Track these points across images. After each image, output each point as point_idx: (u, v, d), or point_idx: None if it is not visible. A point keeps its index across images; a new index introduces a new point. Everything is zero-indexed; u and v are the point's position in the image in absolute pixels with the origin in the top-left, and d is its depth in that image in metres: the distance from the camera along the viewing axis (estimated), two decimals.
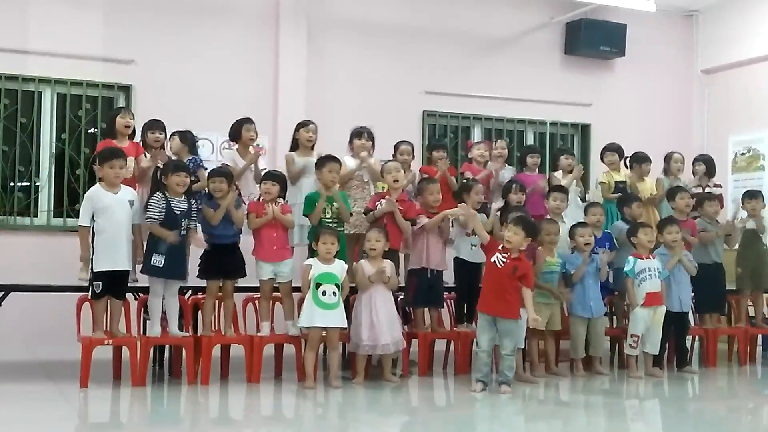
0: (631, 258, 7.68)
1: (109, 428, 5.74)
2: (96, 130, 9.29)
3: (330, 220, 7.21)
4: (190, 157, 7.72)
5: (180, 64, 9.53)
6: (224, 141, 8.87)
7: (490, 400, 6.54)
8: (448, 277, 7.82)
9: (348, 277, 6.93)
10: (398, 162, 7.93)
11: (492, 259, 6.74)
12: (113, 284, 6.63)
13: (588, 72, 11.41)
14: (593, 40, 11.14)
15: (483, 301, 6.81)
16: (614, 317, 8.53)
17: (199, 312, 7.15)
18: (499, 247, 6.75)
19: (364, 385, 6.87)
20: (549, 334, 7.55)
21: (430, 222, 7.38)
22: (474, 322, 7.49)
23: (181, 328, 6.92)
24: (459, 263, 7.81)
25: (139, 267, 6.97)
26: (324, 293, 6.73)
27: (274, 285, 7.13)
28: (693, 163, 9.59)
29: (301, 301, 6.93)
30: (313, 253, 7.04)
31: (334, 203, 7.24)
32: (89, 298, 6.70)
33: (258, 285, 7.15)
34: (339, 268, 6.85)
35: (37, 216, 9.15)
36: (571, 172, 8.99)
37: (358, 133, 8.15)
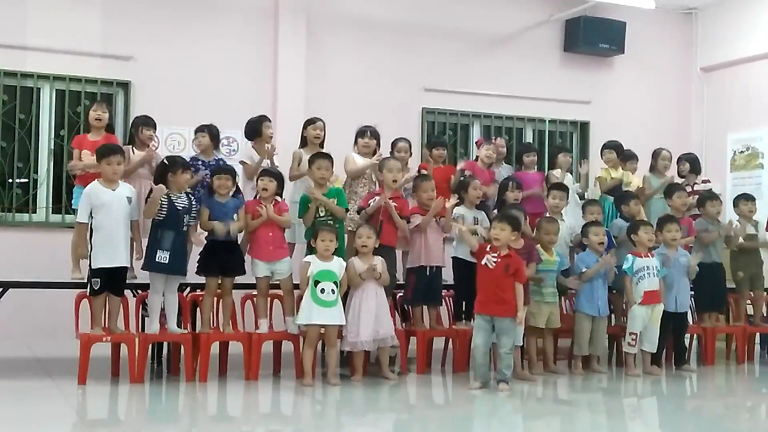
0: (629, 256, 7.68)
1: (107, 425, 5.74)
2: None
3: (326, 218, 7.19)
4: (216, 158, 7.72)
5: (179, 60, 9.52)
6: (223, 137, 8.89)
7: (488, 397, 6.54)
8: (447, 276, 7.82)
9: (346, 274, 6.93)
10: (396, 159, 7.92)
11: (483, 262, 6.75)
12: (111, 281, 6.63)
13: (587, 69, 11.40)
14: (592, 38, 11.13)
15: (480, 303, 6.82)
16: (612, 315, 8.53)
17: (198, 309, 7.15)
18: (487, 249, 6.76)
19: (362, 382, 6.87)
20: (547, 332, 7.56)
21: (423, 220, 7.37)
22: (472, 320, 7.48)
23: (179, 325, 6.91)
24: (458, 262, 7.79)
25: (137, 264, 6.96)
26: (323, 290, 6.72)
27: (274, 282, 7.12)
28: (677, 163, 9.59)
29: (300, 298, 6.92)
30: (311, 250, 7.03)
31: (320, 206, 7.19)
32: (87, 294, 6.69)
33: (255, 282, 7.14)
34: (337, 265, 6.85)
35: (35, 212, 9.15)
36: (569, 169, 8.98)
37: (362, 132, 8.16)
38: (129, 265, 6.83)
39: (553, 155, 9.48)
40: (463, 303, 7.78)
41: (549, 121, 11.28)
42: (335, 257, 6.88)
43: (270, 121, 8.10)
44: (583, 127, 11.45)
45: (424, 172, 8.20)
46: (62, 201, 9.13)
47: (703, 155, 10.64)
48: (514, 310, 6.69)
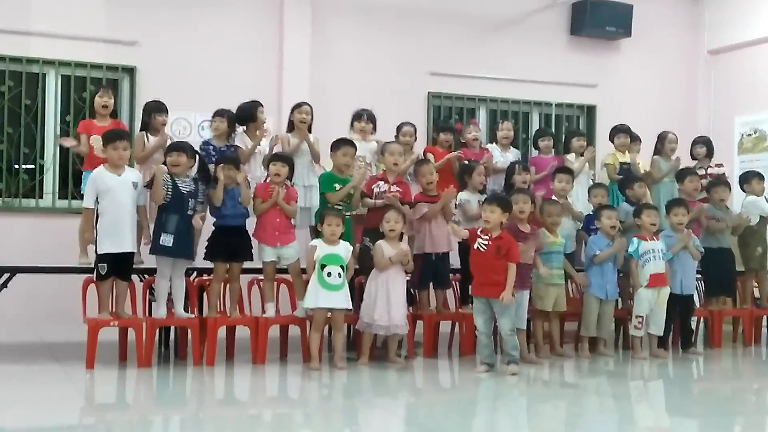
0: (635, 239, 7.68)
1: (114, 409, 5.76)
2: None
3: (341, 203, 7.23)
4: (228, 144, 7.71)
5: (184, 45, 9.51)
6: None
7: (494, 381, 6.55)
8: (455, 260, 7.81)
9: (353, 259, 6.93)
10: (401, 144, 7.92)
11: (475, 246, 6.75)
12: (118, 266, 6.64)
13: (594, 53, 11.34)
14: (599, 21, 11.07)
15: (475, 286, 6.86)
16: (619, 298, 8.52)
17: (204, 293, 7.16)
18: (478, 231, 6.76)
19: (368, 366, 6.89)
20: (554, 315, 7.56)
21: (430, 210, 7.38)
22: (471, 304, 7.49)
23: (186, 310, 6.92)
24: (464, 246, 7.78)
25: (144, 249, 6.97)
26: (329, 274, 6.73)
27: (283, 267, 7.13)
28: (693, 146, 9.59)
29: (307, 282, 6.93)
30: (317, 234, 7.03)
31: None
32: (94, 279, 6.71)
33: (262, 267, 7.15)
34: (344, 249, 6.86)
35: (42, 198, 9.16)
36: (582, 154, 8.96)
37: (358, 115, 8.22)
38: (135, 250, 6.83)
39: (567, 140, 9.43)
40: (470, 287, 7.77)
41: (555, 104, 11.23)
42: (341, 241, 6.88)
43: (263, 105, 8.08)
44: (590, 110, 11.40)
45: (429, 155, 8.21)
46: (68, 186, 9.15)
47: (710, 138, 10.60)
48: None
